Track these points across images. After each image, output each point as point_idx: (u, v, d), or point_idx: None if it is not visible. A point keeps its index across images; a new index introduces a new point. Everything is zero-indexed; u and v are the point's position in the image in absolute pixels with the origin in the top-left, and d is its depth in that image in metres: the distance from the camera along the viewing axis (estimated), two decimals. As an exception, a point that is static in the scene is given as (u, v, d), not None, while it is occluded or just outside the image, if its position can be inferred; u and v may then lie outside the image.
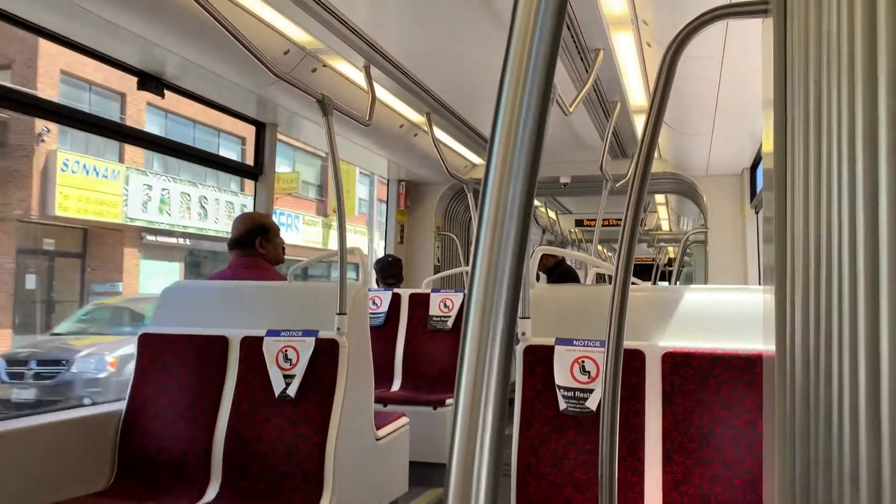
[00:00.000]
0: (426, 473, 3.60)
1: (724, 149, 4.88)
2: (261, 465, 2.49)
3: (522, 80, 0.55)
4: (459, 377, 0.54)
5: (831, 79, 0.81)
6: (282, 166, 18.00)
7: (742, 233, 5.56)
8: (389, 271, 5.05)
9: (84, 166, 13.35)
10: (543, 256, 6.37)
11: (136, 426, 2.64)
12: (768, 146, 1.16)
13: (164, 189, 15.29)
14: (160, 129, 15.08)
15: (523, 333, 2.36)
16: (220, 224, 16.61)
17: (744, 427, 2.06)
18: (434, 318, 4.45)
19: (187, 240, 16.33)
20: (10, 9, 2.49)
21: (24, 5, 2.50)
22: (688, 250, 9.47)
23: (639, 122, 4.41)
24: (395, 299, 4.57)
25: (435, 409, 3.95)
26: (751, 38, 2.75)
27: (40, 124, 12.53)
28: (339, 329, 2.56)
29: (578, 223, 10.74)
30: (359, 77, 3.58)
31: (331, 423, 2.47)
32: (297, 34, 3.10)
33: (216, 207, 16.74)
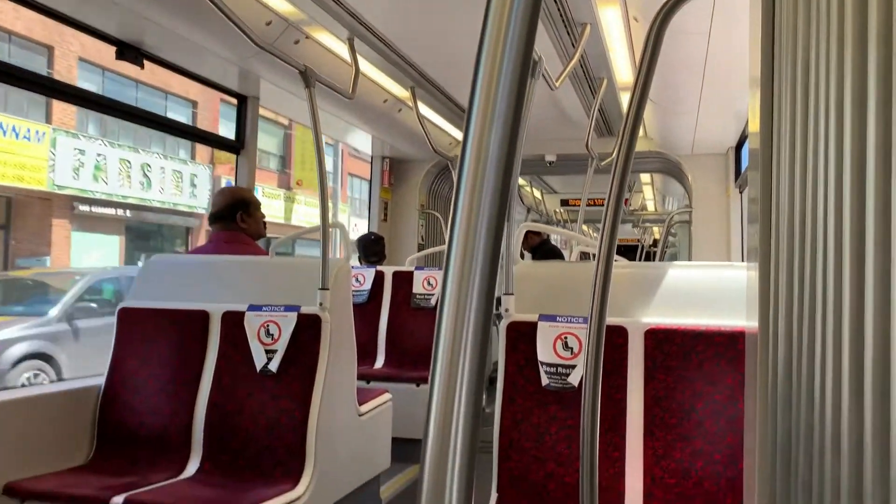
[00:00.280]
0: (408, 450, 3.61)
1: (710, 128, 4.88)
2: (242, 440, 2.48)
3: (501, 48, 0.53)
4: (436, 353, 0.53)
5: (820, 58, 0.79)
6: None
7: (726, 212, 5.58)
8: (372, 249, 5.02)
9: (1, 126, 11.67)
10: (528, 234, 6.37)
11: (115, 400, 2.61)
12: (754, 125, 1.14)
13: (99, 154, 13.48)
14: (95, 89, 12.85)
15: (507, 310, 2.36)
16: (167, 195, 15.16)
17: (725, 402, 2.07)
18: (417, 296, 4.44)
19: (128, 211, 14.77)
20: None
21: None
22: (672, 231, 9.52)
23: (625, 99, 4.40)
24: (379, 277, 4.55)
25: (418, 385, 3.95)
26: (739, 14, 2.73)
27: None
28: (321, 304, 2.55)
29: (564, 203, 10.74)
30: (342, 50, 3.53)
31: (313, 398, 2.46)
32: (280, 4, 3.04)
33: (161, 176, 15.06)
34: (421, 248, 5.98)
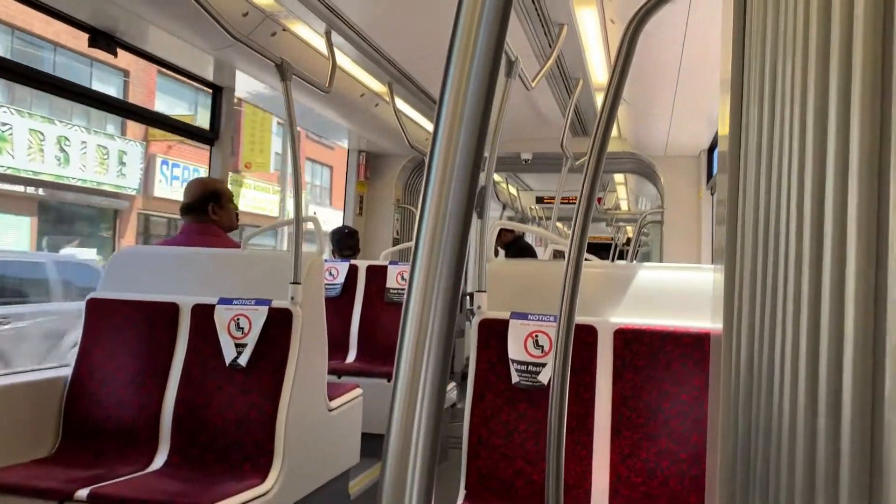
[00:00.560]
0: (378, 445, 3.61)
1: (683, 130, 4.93)
2: (210, 434, 2.47)
3: (472, 44, 0.54)
4: (400, 348, 0.53)
5: (786, 64, 0.81)
6: (177, 108, 15.42)
7: (698, 214, 5.65)
8: (346, 243, 5.01)
9: None
10: (502, 231, 6.39)
11: (82, 392, 2.58)
12: (723, 129, 1.16)
13: (4, 124, 11.78)
14: (3, 50, 11.74)
15: (479, 307, 2.37)
16: (89, 172, 13.37)
17: (691, 403, 2.10)
18: (391, 291, 4.44)
19: (40, 189, 13.03)
20: None
21: None
22: (645, 230, 9.60)
23: (600, 100, 4.42)
24: (352, 271, 4.54)
25: (389, 380, 3.95)
26: (712, 19, 2.76)
27: None
28: (293, 298, 2.54)
29: (539, 200, 10.79)
30: (320, 43, 3.51)
31: (282, 392, 2.46)
32: None
33: (83, 152, 13.26)
34: (396, 242, 5.97)
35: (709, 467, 1.26)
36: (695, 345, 2.13)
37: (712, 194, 5.48)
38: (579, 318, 2.23)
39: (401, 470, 0.51)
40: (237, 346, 2.51)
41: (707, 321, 2.13)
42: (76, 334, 2.87)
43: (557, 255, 5.10)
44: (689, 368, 2.12)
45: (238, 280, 2.69)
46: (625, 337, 2.19)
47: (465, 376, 2.40)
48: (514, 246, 6.79)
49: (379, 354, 4.31)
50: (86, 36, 3.04)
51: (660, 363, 2.15)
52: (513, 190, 9.84)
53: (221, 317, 2.54)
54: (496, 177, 8.22)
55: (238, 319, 2.53)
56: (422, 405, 0.52)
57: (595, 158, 1.39)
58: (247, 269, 2.74)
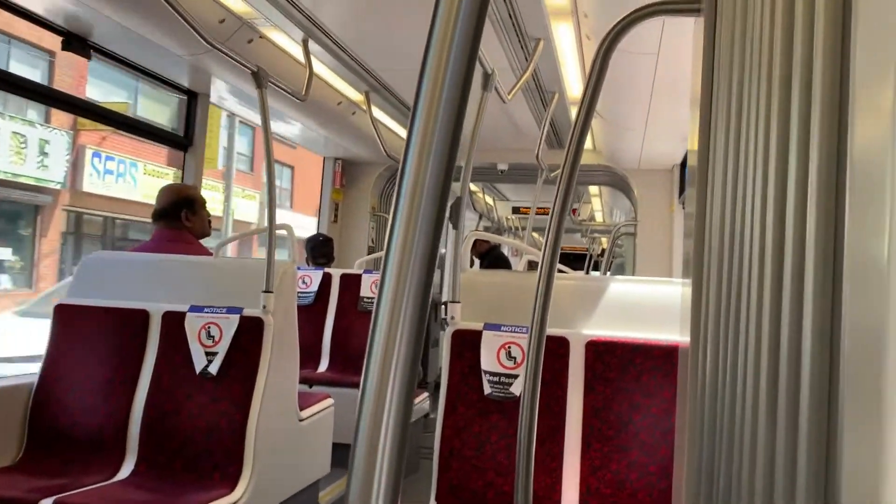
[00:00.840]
0: (349, 454, 3.58)
1: (656, 145, 5.00)
2: (179, 443, 2.44)
3: (446, 56, 0.54)
4: (369, 358, 0.54)
5: (752, 81, 0.83)
6: (113, 95, 13.56)
7: (670, 227, 5.71)
8: (320, 250, 4.99)
9: None
10: (477, 241, 6.41)
11: (48, 400, 2.54)
12: (693, 144, 1.19)
13: None
14: None
15: (452, 317, 2.38)
16: (2, 162, 11.96)
17: (661, 415, 2.12)
18: (365, 300, 4.42)
19: None
20: None
21: None
22: (619, 242, 9.68)
23: (575, 114, 4.47)
24: (326, 279, 4.52)
25: None
26: (685, 37, 2.81)
27: None
28: (264, 307, 2.52)
29: (515, 210, 10.84)
30: (297, 51, 3.51)
31: (253, 401, 2.44)
32: (234, 3, 3.01)
33: None
34: (371, 251, 5.96)
35: (675, 480, 1.27)
36: (665, 357, 2.15)
37: (684, 208, 5.56)
38: (551, 330, 2.24)
39: (367, 479, 0.51)
40: (208, 354, 2.48)
41: (677, 334, 2.16)
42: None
43: (532, 265, 5.13)
44: (658, 381, 2.14)
45: (210, 288, 2.67)
46: (596, 349, 2.21)
47: (438, 386, 2.40)
48: (490, 256, 6.80)
49: (351, 364, 4.29)
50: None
51: (630, 375, 2.17)
52: (489, 200, 9.88)
53: (192, 325, 2.52)
54: (473, 186, 8.25)
55: (209, 327, 2.51)
56: (389, 414, 0.52)
57: (568, 171, 1.40)
58: (219, 277, 2.72)
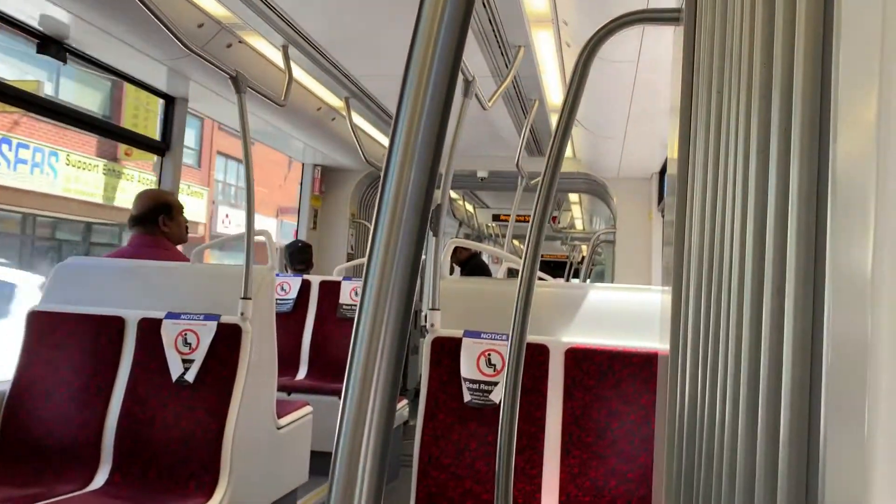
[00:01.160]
0: (328, 463, 3.56)
1: (636, 153, 5.03)
2: (155, 451, 2.40)
3: (429, 62, 0.54)
4: (350, 366, 0.53)
5: (732, 90, 0.83)
6: (12, 69, 11.10)
7: (648, 235, 5.75)
8: (299, 257, 4.96)
9: None
10: (457, 249, 6.41)
11: (20, 408, 2.49)
12: (672, 152, 1.19)
13: None
14: None
15: (432, 325, 2.37)
16: None
17: (640, 422, 2.13)
18: (344, 307, 4.40)
19: None
20: None
21: None
22: (598, 249, 9.73)
23: (555, 121, 4.49)
24: (305, 286, 4.49)
25: (340, 398, 3.90)
26: (665, 45, 2.83)
27: None
28: (242, 314, 2.50)
29: (495, 218, 10.87)
30: (276, 56, 3.49)
31: (230, 409, 2.41)
32: (213, 7, 2.99)
33: None
34: (350, 257, 5.93)
35: (654, 488, 1.27)
36: (643, 364, 2.16)
37: (663, 216, 5.60)
38: (531, 337, 2.24)
39: (349, 486, 0.51)
40: (184, 361, 2.45)
41: (656, 341, 2.17)
42: None
43: (512, 273, 5.14)
44: (637, 388, 2.15)
45: (187, 294, 2.64)
46: (575, 356, 2.21)
47: (418, 394, 2.39)
48: (470, 264, 6.81)
49: (330, 371, 4.27)
50: None
51: (609, 382, 2.17)
52: (469, 207, 9.89)
53: (168, 332, 2.48)
54: (453, 194, 8.26)
55: (186, 334, 2.47)
56: (371, 421, 0.52)
57: (549, 178, 1.40)
58: (196, 283, 2.69)
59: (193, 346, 2.46)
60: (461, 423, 2.23)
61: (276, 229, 18.05)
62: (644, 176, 5.78)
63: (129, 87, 11.66)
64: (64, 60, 3.06)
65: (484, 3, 2.84)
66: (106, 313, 2.57)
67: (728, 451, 0.74)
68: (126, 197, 13.10)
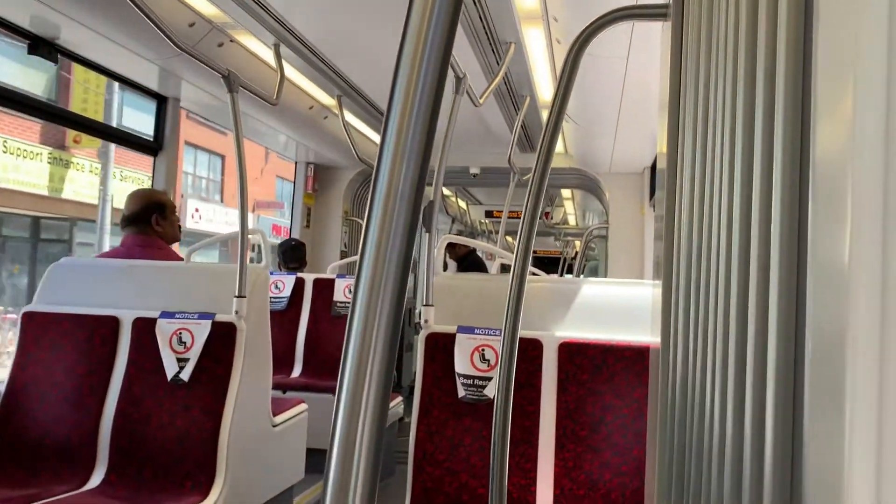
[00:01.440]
0: (324, 460, 3.57)
1: (627, 148, 5.05)
2: (150, 451, 2.41)
3: (420, 60, 0.55)
4: (344, 362, 0.54)
5: (718, 84, 0.84)
6: None
7: (641, 229, 5.77)
8: (292, 255, 4.96)
9: None
10: (457, 246, 6.42)
11: (16, 409, 2.49)
12: (662, 147, 1.20)
13: None
14: None
15: (426, 321, 2.38)
16: None
17: (633, 416, 2.14)
18: (338, 304, 4.41)
19: None
20: None
21: None
22: (592, 245, 9.75)
23: (546, 116, 4.50)
24: (299, 284, 4.50)
25: (335, 395, 3.91)
26: (654, 41, 2.85)
27: None
28: (237, 312, 2.50)
29: (488, 214, 10.88)
30: (268, 55, 3.49)
31: (225, 408, 2.42)
32: (204, 6, 2.99)
33: None
34: (344, 255, 5.94)
35: (647, 480, 1.29)
36: (636, 358, 2.17)
37: (654, 210, 5.61)
38: (524, 332, 2.26)
39: (343, 483, 0.51)
40: (179, 360, 2.46)
41: (648, 335, 2.18)
42: None
43: (505, 269, 5.15)
44: (630, 381, 2.16)
45: (181, 293, 2.64)
46: (569, 350, 2.23)
47: (413, 391, 2.41)
48: (467, 260, 6.83)
49: (325, 369, 4.27)
50: None
51: (602, 376, 2.18)
52: (462, 204, 9.89)
53: (163, 331, 2.49)
54: (445, 190, 8.26)
55: (180, 333, 2.48)
56: (364, 417, 0.52)
57: (540, 173, 1.42)
58: (190, 282, 2.69)
59: (188, 344, 2.46)
60: (456, 418, 2.24)
61: (252, 224, 17.09)
62: (636, 171, 5.80)
63: (77, 68, 10.68)
64: (55, 61, 3.05)
65: (474, 0, 2.84)
66: (100, 313, 2.57)
67: (717, 440, 0.76)
68: (75, 190, 12.36)
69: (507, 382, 1.42)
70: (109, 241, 11.20)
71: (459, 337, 2.28)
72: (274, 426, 2.82)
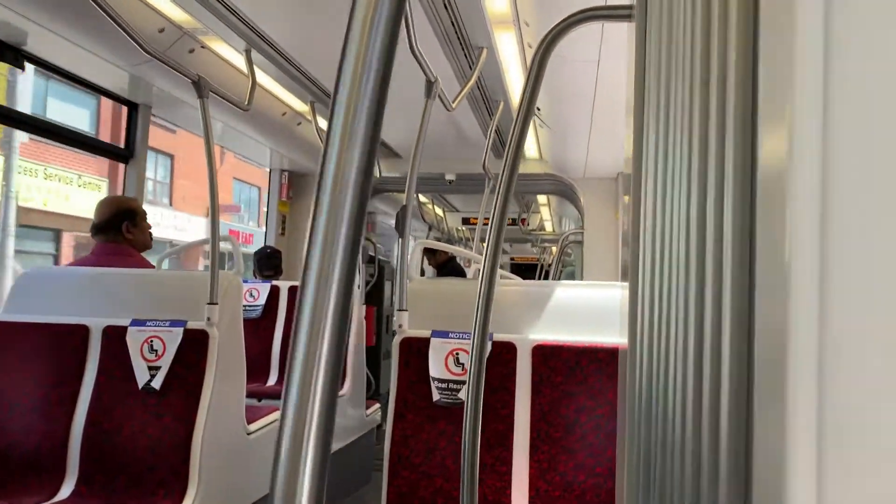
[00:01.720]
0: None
1: (600, 153, 5.08)
2: (122, 460, 2.38)
3: (362, 64, 0.55)
4: (290, 369, 0.53)
5: (676, 86, 0.85)
6: None
7: (616, 234, 5.81)
8: (267, 263, 4.93)
9: None
10: (437, 252, 6.42)
11: None
12: (628, 151, 1.21)
13: None
14: None
15: (400, 326, 2.38)
16: None
17: (607, 417, 2.16)
18: None
19: None
20: None
21: None
22: (567, 250, 9.80)
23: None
24: (274, 292, 4.47)
25: None
26: (623, 44, 2.87)
27: None
28: (209, 319, 2.48)
29: (465, 221, 10.88)
30: (240, 61, 3.48)
31: (198, 416, 2.39)
32: (174, 12, 2.97)
33: None
34: None
35: (618, 480, 1.29)
36: (608, 360, 2.19)
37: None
38: (498, 335, 2.26)
39: (290, 484, 0.51)
40: (150, 368, 2.43)
41: (619, 336, 2.20)
42: None
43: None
44: (603, 383, 2.18)
45: (152, 301, 2.62)
46: (543, 353, 2.23)
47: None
48: (447, 266, 6.83)
49: None
50: None
51: (576, 378, 2.20)
52: (439, 211, 9.90)
53: (134, 339, 2.46)
54: (422, 198, 8.26)
55: (152, 341, 2.45)
56: (311, 419, 0.52)
57: (507, 175, 1.42)
58: (161, 290, 2.67)
59: (160, 352, 2.44)
60: (430, 422, 2.24)
61: (206, 230, 16.35)
62: (610, 175, 5.83)
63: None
64: (22, 67, 3.01)
65: (445, 5, 2.85)
66: (70, 322, 2.53)
67: (678, 439, 0.76)
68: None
69: (476, 385, 1.42)
70: (13, 244, 9.75)
71: (434, 341, 2.28)
72: (248, 434, 2.80)
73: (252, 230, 18.15)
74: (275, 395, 3.89)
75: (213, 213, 2.62)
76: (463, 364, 2.26)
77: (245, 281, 4.44)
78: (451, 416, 2.23)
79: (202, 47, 3.29)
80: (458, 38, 3.16)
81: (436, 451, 2.21)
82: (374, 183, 5.95)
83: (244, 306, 4.29)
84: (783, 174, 0.45)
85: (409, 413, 2.25)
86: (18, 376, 2.49)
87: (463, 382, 2.24)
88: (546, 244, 12.22)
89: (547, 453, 2.17)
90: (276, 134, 4.70)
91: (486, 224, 5.40)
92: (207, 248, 2.59)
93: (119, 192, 3.73)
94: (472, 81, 3.31)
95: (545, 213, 10.33)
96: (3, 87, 9.95)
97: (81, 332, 2.52)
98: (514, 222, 9.60)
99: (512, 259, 15.02)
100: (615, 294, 2.36)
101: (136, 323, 2.48)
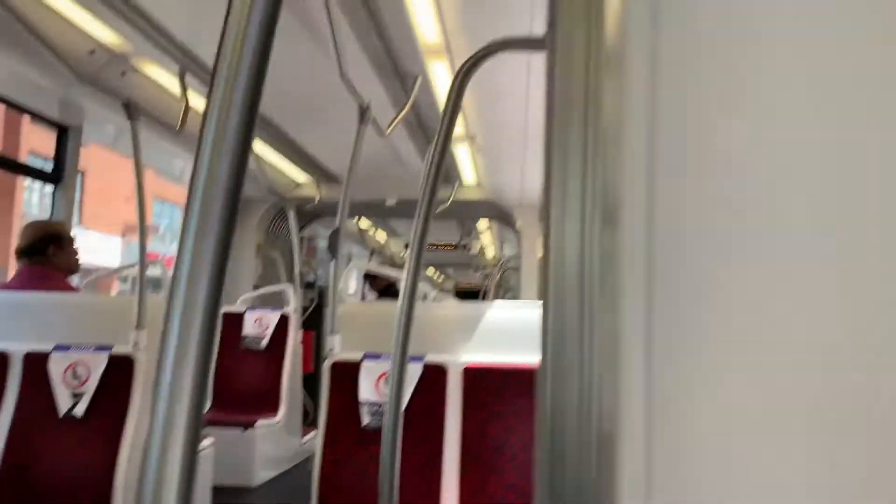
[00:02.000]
0: (231, 497, 3.48)
1: (534, 180, 5.18)
2: (42, 493, 2.30)
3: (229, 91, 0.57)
4: (158, 378, 0.54)
5: (572, 117, 0.90)
6: None
7: None
8: None
9: None
10: (377, 278, 6.42)
11: None
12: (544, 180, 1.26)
13: None
14: None
15: (331, 349, 2.38)
16: None
17: (534, 437, 2.19)
18: (248, 338, 4.34)
19: None
20: None
21: None
22: (507, 276, 9.89)
23: (458, 148, 4.59)
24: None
25: (245, 430, 3.83)
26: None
27: None
28: (135, 344, 2.44)
29: (407, 246, 10.87)
30: (174, 83, 3.45)
31: (122, 444, 2.34)
32: (104, 34, 2.94)
33: None
34: (257, 288, 5.85)
35: (536, 499, 1.33)
36: (534, 380, 2.23)
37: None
38: (430, 358, 2.29)
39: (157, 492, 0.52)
40: (74, 395, 2.37)
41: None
42: None
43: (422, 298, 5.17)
44: (530, 403, 2.22)
45: (77, 326, 2.56)
46: (472, 374, 2.27)
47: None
48: (388, 291, 6.84)
49: (235, 404, 4.18)
50: None
51: (504, 399, 2.23)
52: (382, 236, 9.90)
53: (57, 364, 2.40)
54: (364, 223, 8.26)
55: (75, 367, 2.39)
56: (177, 435, 0.53)
57: (427, 202, 1.46)
58: (86, 315, 2.61)
59: (83, 378, 2.38)
60: (361, 446, 2.24)
61: (120, 250, 16.22)
62: None
63: None
64: None
65: (379, 35, 2.90)
66: None
67: (584, 447, 0.80)
68: None
69: (396, 406, 1.44)
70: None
71: (366, 364, 2.29)
72: None
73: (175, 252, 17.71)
74: (207, 422, 3.82)
75: (142, 236, 2.59)
76: None
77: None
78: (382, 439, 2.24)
79: (134, 71, 3.26)
80: (392, 65, 3.21)
81: (366, 476, 2.21)
82: (312, 207, 5.94)
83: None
84: (619, 186, 0.48)
85: (341, 437, 2.25)
86: None
87: None
88: (488, 269, 12.31)
89: (477, 474, 2.19)
90: None
91: (430, 250, 5.44)
92: (127, 272, 2.56)
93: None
94: (408, 108, 3.36)
95: (486, 238, 10.43)
96: None
97: None
98: (455, 247, 9.67)
99: (457, 285, 15.08)
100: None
101: (59, 348, 2.42)
